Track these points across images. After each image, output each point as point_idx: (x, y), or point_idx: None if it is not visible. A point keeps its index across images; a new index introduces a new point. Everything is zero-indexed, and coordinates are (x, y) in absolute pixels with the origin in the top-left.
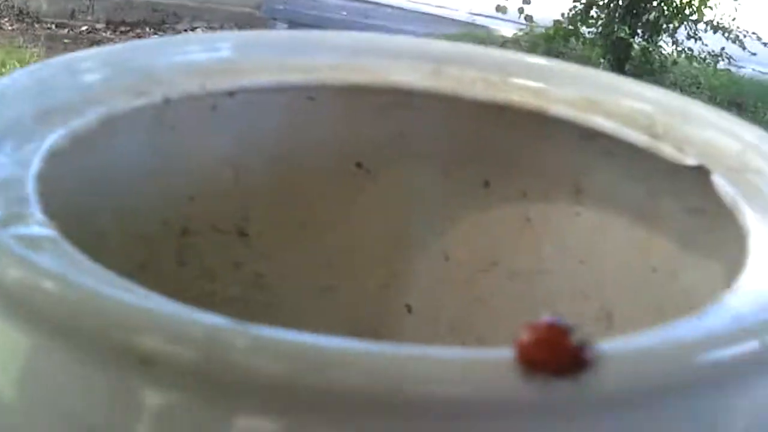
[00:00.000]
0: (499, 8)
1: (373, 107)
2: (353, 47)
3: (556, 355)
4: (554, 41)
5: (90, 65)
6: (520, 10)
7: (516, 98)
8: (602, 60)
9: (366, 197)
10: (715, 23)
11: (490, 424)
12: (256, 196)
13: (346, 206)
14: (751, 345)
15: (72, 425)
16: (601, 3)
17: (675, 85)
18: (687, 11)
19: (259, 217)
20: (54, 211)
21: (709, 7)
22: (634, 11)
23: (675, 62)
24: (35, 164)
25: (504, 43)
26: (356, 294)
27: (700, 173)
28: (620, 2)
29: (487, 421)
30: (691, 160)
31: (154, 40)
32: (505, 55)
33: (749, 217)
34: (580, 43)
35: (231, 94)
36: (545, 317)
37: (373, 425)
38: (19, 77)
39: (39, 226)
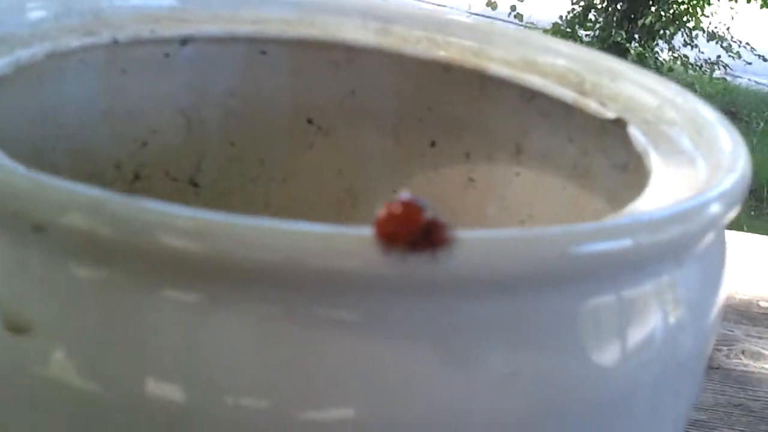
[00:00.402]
0: (489, 3)
1: (324, 63)
2: (304, 3)
3: (408, 229)
4: None
5: (38, 3)
6: (512, 8)
7: (457, 57)
8: None
9: (317, 153)
10: (711, 31)
11: (353, 296)
12: (208, 146)
13: (296, 161)
14: (622, 243)
15: None
16: (599, 6)
17: None
18: (684, 18)
19: (210, 168)
20: (5, 142)
21: (705, 15)
22: (632, 16)
23: (671, 69)
24: None
25: None
26: None
27: (619, 125)
28: (618, 6)
29: (349, 292)
30: (611, 114)
31: None
32: (449, 15)
33: (654, 160)
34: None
35: (183, 42)
36: (402, 194)
37: (258, 293)
38: None
39: None
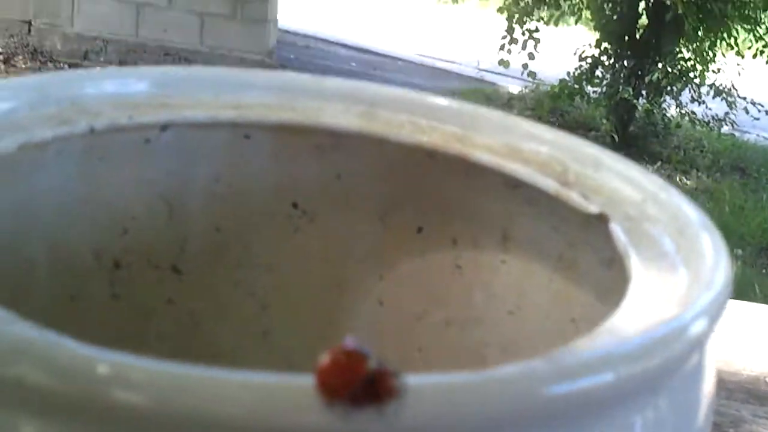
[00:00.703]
0: (501, 62)
1: (308, 147)
2: (286, 87)
3: (349, 380)
4: (559, 99)
5: (10, 93)
6: (524, 66)
7: (440, 142)
8: (605, 120)
9: (302, 238)
10: (717, 87)
11: None
12: (190, 232)
13: (282, 247)
14: (592, 380)
15: None
16: (606, 63)
17: (678, 148)
18: (690, 74)
19: (193, 255)
20: None
21: (712, 71)
22: (639, 72)
23: (678, 125)
24: None
25: (510, 99)
26: (293, 339)
27: (602, 221)
28: (625, 63)
29: None
30: (593, 208)
31: (78, 71)
32: (434, 99)
33: (634, 264)
34: (584, 102)
35: (164, 127)
36: (346, 340)
37: None
38: None
39: None
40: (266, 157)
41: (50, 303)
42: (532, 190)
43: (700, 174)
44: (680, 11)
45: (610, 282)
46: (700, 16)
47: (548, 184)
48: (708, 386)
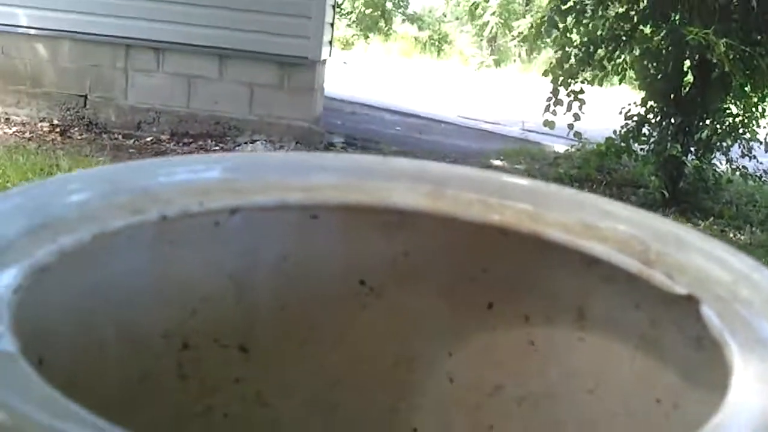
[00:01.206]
0: (546, 123)
1: (375, 226)
2: (352, 168)
3: None
4: (606, 157)
5: (84, 184)
6: (570, 126)
7: (513, 221)
8: (654, 177)
9: (369, 315)
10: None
11: None
12: (258, 311)
13: (349, 324)
14: None
15: None
16: (653, 121)
17: (731, 203)
18: (740, 130)
19: (260, 333)
20: (51, 322)
21: (759, 125)
22: (686, 129)
23: (729, 180)
24: (14, 279)
25: (556, 158)
26: (362, 414)
27: (691, 303)
28: (672, 120)
29: None
30: (680, 289)
31: (150, 160)
32: (501, 177)
33: (735, 353)
34: (632, 159)
35: (233, 211)
36: None
37: None
38: (12, 194)
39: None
40: (334, 236)
41: (121, 382)
42: (610, 268)
43: (754, 229)
44: (727, 69)
45: (698, 362)
46: (747, 72)
47: (628, 262)
48: None
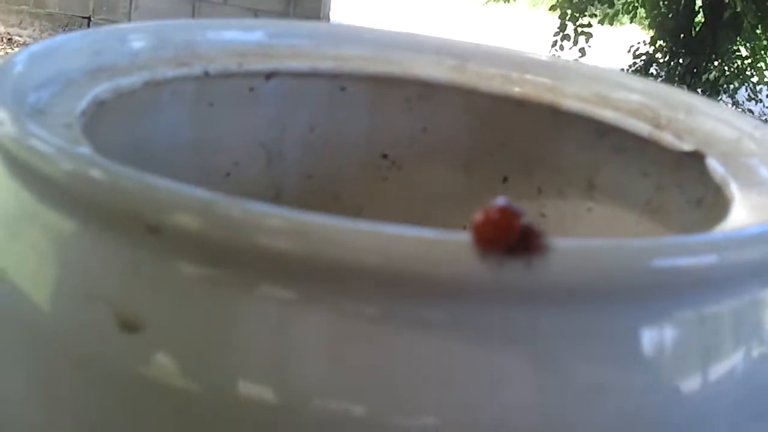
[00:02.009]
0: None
1: (399, 99)
2: (381, 41)
3: (506, 234)
4: None
5: (137, 36)
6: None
7: (532, 93)
8: None
9: (390, 187)
10: None
11: (448, 300)
12: (286, 179)
13: (371, 195)
14: (708, 258)
15: (93, 299)
16: (661, 61)
17: None
18: (748, 72)
19: (288, 200)
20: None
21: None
22: (695, 70)
23: None
24: (78, 106)
25: None
26: None
27: (696, 158)
28: (680, 60)
29: (444, 296)
30: (687, 146)
31: (196, 21)
32: (524, 53)
33: (734, 189)
34: None
35: (267, 76)
36: (498, 200)
37: (355, 294)
38: (72, 38)
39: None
40: (360, 109)
41: None
42: (621, 135)
43: None
44: (738, 9)
45: (699, 221)
46: (759, 13)
47: (639, 127)
48: None
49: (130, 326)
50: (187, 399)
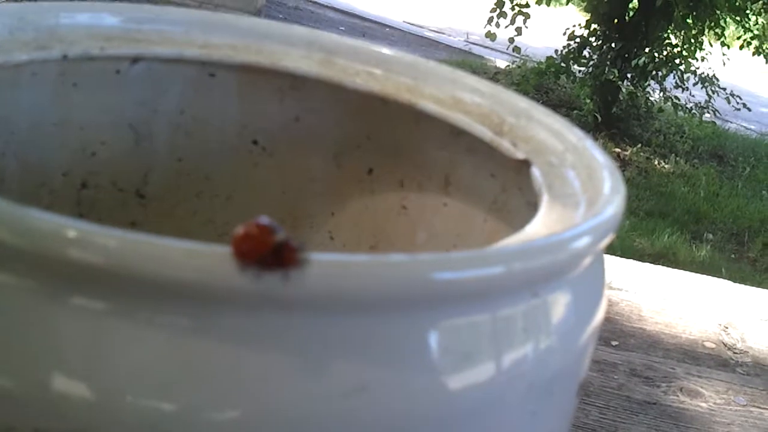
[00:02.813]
0: (488, 35)
1: (270, 89)
2: (252, 30)
3: (259, 248)
4: (545, 76)
5: None
6: (510, 40)
7: (392, 91)
8: (589, 100)
9: (261, 173)
10: (702, 75)
11: (208, 308)
12: (155, 160)
13: (241, 180)
14: (468, 273)
15: None
16: (594, 44)
17: (659, 132)
18: (677, 60)
19: (157, 181)
20: None
21: (699, 58)
22: (626, 55)
23: (661, 109)
24: None
25: (496, 73)
26: None
27: (525, 166)
28: (613, 45)
29: (205, 305)
30: (519, 155)
31: (56, 2)
32: (388, 52)
33: (545, 200)
34: (570, 81)
35: (135, 60)
36: (259, 217)
37: (119, 299)
38: None
39: None
40: (230, 96)
41: None
42: (471, 138)
43: (678, 159)
44: None
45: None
46: (691, 3)
47: (484, 132)
48: (594, 301)
49: None
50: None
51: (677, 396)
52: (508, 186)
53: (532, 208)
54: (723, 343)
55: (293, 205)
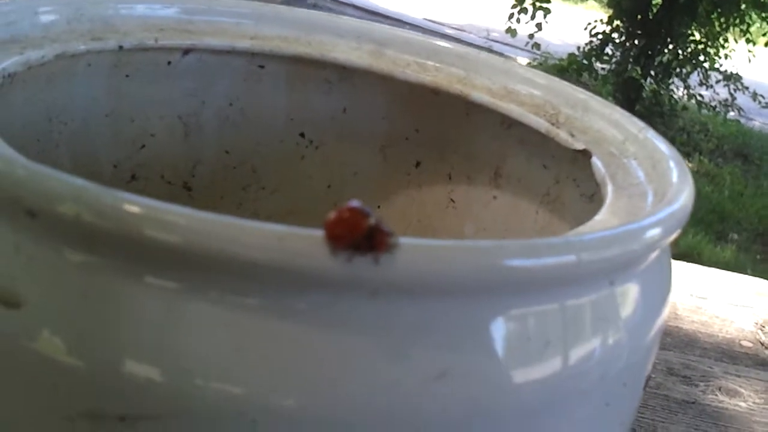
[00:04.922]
0: (509, 31)
1: (318, 81)
2: (302, 22)
3: (353, 232)
4: (567, 74)
5: (52, 8)
6: (530, 36)
7: (444, 82)
8: (611, 98)
9: (307, 165)
10: (726, 72)
11: (299, 291)
12: (203, 153)
13: (287, 172)
14: (548, 260)
15: None
16: (617, 41)
17: (683, 130)
18: (701, 57)
19: (204, 174)
20: (14, 133)
21: (723, 55)
22: (649, 52)
23: (685, 107)
24: None
25: None
26: None
27: (585, 156)
28: (636, 42)
29: (300, 287)
30: (578, 145)
31: None
32: (439, 42)
33: (609, 191)
34: (592, 78)
35: (186, 52)
36: (350, 201)
37: (212, 280)
38: None
39: None
40: (278, 87)
41: None
42: (524, 129)
43: (702, 158)
44: None
45: (591, 214)
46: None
47: (540, 123)
48: (663, 292)
49: (11, 303)
50: (70, 372)
51: (716, 395)
52: (561, 177)
53: (587, 200)
54: (760, 342)
55: (339, 198)
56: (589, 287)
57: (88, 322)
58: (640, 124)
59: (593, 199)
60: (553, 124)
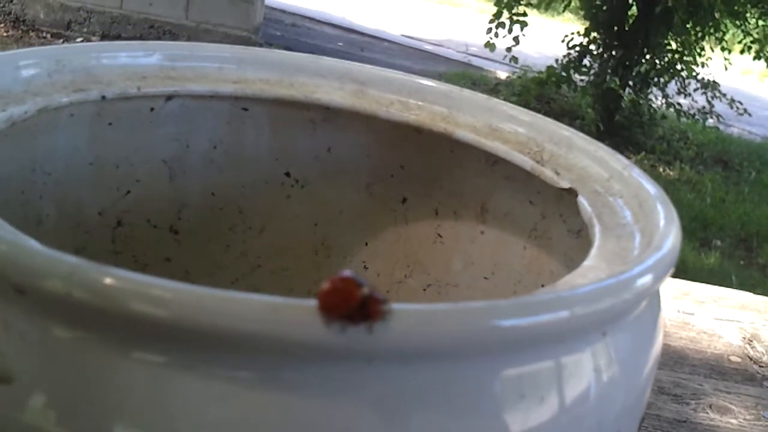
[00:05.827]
0: (487, 45)
1: (302, 122)
2: (284, 64)
3: (347, 302)
4: (546, 86)
5: (32, 61)
6: (508, 50)
7: (427, 120)
8: (590, 109)
9: (294, 205)
10: (703, 80)
11: (293, 362)
12: (188, 196)
13: (274, 212)
14: (541, 318)
15: None
16: (594, 52)
17: (663, 139)
18: (678, 67)
19: (190, 216)
20: None
21: (700, 63)
22: (627, 63)
23: (664, 116)
24: None
25: (497, 84)
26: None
27: (571, 195)
28: (613, 53)
29: (294, 359)
30: (564, 183)
31: (93, 43)
32: (421, 81)
33: (597, 232)
34: (571, 90)
35: (169, 98)
36: (343, 271)
37: (197, 354)
38: None
39: None
40: (263, 129)
41: None
42: (509, 167)
43: (683, 165)
44: (670, 3)
45: (578, 250)
46: (690, 9)
47: (524, 161)
48: (654, 335)
49: (2, 378)
50: None
51: (707, 413)
52: (548, 213)
53: (575, 235)
54: (748, 356)
55: (326, 236)
56: (582, 340)
57: (77, 396)
58: (625, 161)
59: (580, 234)
60: (537, 162)
